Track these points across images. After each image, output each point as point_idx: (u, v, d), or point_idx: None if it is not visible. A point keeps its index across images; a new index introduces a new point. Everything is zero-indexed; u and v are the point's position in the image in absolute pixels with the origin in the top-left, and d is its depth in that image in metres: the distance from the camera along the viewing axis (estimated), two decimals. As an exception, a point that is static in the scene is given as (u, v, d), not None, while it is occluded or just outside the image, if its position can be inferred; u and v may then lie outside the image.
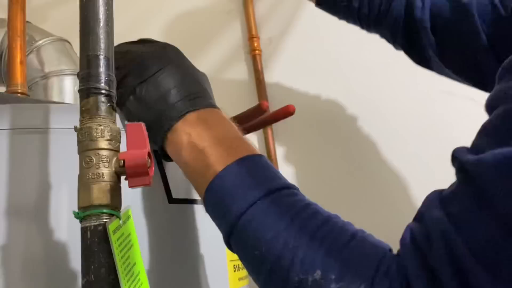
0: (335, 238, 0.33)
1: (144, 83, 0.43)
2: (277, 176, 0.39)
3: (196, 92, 0.43)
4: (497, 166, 0.28)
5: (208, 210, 0.41)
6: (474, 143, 0.33)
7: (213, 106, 0.44)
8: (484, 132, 0.33)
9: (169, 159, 0.46)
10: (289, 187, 0.39)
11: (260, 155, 0.41)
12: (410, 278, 0.30)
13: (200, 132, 0.40)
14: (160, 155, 0.46)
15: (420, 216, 0.34)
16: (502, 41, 0.53)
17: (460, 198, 0.31)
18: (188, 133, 0.41)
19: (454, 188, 0.32)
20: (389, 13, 0.66)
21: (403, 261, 0.31)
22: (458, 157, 0.32)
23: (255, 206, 0.36)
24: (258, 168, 0.39)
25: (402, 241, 0.33)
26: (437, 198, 0.32)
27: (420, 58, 0.67)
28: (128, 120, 0.44)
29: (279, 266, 0.33)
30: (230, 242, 0.38)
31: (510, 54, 0.40)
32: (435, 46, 0.62)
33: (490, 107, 0.34)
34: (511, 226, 0.27)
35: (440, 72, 0.66)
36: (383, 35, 0.70)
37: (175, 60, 0.45)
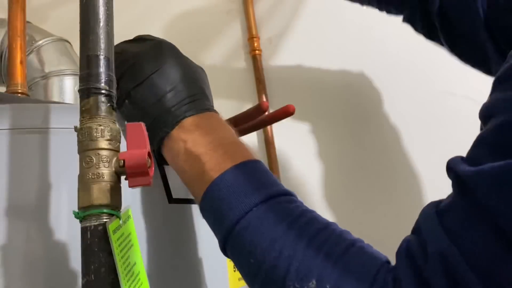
0: (332, 247, 0.33)
1: (139, 87, 0.42)
2: (274, 182, 0.39)
3: (192, 95, 0.42)
4: (496, 178, 0.28)
5: (204, 216, 0.40)
6: (470, 154, 0.32)
7: (209, 109, 0.43)
8: (481, 143, 0.32)
9: (166, 163, 0.45)
10: (286, 193, 0.38)
11: (256, 161, 0.40)
12: None
13: (196, 138, 0.40)
14: (157, 160, 0.45)
15: (416, 229, 0.33)
16: (497, 24, 0.52)
17: (457, 210, 0.30)
18: (184, 139, 0.40)
19: (450, 200, 0.32)
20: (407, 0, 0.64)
21: (398, 273, 0.31)
22: (454, 169, 0.31)
23: (251, 213, 0.35)
24: (254, 174, 0.38)
25: (398, 253, 0.33)
26: (433, 211, 0.32)
27: (440, 43, 0.65)
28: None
29: (274, 275, 0.33)
30: (226, 248, 0.38)
31: (505, 39, 0.38)
32: (444, 33, 0.61)
33: (485, 116, 0.33)
34: (511, 239, 0.27)
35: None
36: (404, 20, 0.68)
37: (171, 58, 0.43)
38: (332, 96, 0.96)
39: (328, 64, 0.97)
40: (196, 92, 0.43)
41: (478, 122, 0.37)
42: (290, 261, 0.32)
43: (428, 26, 0.64)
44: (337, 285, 0.31)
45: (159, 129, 0.41)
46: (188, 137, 0.40)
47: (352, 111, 0.94)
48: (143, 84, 0.42)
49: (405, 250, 0.32)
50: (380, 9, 0.71)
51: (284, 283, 0.32)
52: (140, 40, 0.47)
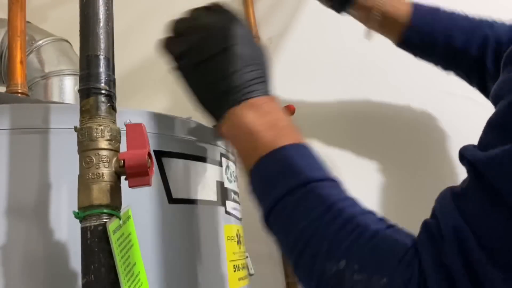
0: (362, 231, 0.34)
1: (208, 62, 0.43)
2: (317, 166, 0.40)
3: (257, 78, 0.44)
4: (505, 162, 0.29)
5: (251, 189, 0.42)
6: (482, 139, 0.34)
7: (270, 94, 0.45)
8: (490, 126, 0.33)
9: (221, 137, 0.46)
10: (327, 179, 0.39)
11: (305, 144, 0.42)
12: (426, 273, 0.31)
13: (254, 117, 0.42)
14: (214, 132, 0.47)
15: (434, 213, 0.34)
16: None
17: (471, 195, 0.31)
18: (244, 116, 0.42)
19: (465, 185, 0.32)
20: (466, 56, 0.64)
21: (420, 255, 0.32)
22: (466, 156, 0.32)
23: (291, 195, 0.37)
24: (300, 157, 0.40)
25: (418, 237, 0.34)
26: (449, 195, 0.33)
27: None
28: (189, 94, 0.46)
29: (305, 255, 0.35)
30: (268, 224, 0.40)
31: None
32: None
33: (495, 97, 0.34)
34: None
35: None
36: (458, 75, 0.69)
37: (241, 38, 0.45)
38: (331, 96, 0.96)
39: (328, 64, 0.97)
40: (260, 75, 0.44)
41: (478, 122, 0.37)
42: (321, 243, 0.34)
43: (484, 80, 0.64)
44: (365, 265, 0.32)
45: (222, 104, 0.43)
46: (248, 114, 0.42)
47: (353, 110, 0.94)
48: (212, 59, 0.43)
49: (424, 233, 0.33)
50: (437, 65, 0.70)
51: (314, 263, 0.34)
52: (216, 10, 0.47)
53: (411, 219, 0.37)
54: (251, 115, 0.42)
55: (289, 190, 0.37)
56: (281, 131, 0.42)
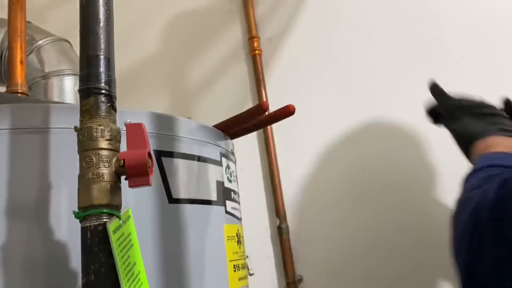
0: (489, 180, 0.54)
1: (484, 115, 0.70)
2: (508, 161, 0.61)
3: (504, 129, 0.68)
4: None
5: (472, 164, 0.65)
6: None
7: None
8: None
9: (472, 162, 0.66)
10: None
11: None
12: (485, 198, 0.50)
13: (493, 139, 0.66)
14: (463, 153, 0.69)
15: None
16: None
17: None
18: (487, 139, 0.66)
19: None
20: None
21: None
22: None
23: (481, 169, 0.60)
24: (502, 158, 0.61)
25: None
26: None
27: None
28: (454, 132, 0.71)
29: (471, 192, 0.56)
30: (468, 178, 0.61)
31: None
32: None
33: None
34: None
35: None
36: None
37: (496, 109, 0.71)
38: (331, 95, 0.96)
39: (327, 63, 0.97)
40: (506, 128, 0.68)
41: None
42: (474, 187, 0.56)
43: None
44: (479, 190, 0.53)
45: (482, 135, 0.67)
46: (490, 138, 0.66)
47: (352, 110, 0.94)
48: (485, 114, 0.70)
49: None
50: None
51: (470, 193, 0.56)
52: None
53: None
54: (492, 139, 0.66)
55: (482, 167, 0.60)
56: (506, 148, 0.64)
